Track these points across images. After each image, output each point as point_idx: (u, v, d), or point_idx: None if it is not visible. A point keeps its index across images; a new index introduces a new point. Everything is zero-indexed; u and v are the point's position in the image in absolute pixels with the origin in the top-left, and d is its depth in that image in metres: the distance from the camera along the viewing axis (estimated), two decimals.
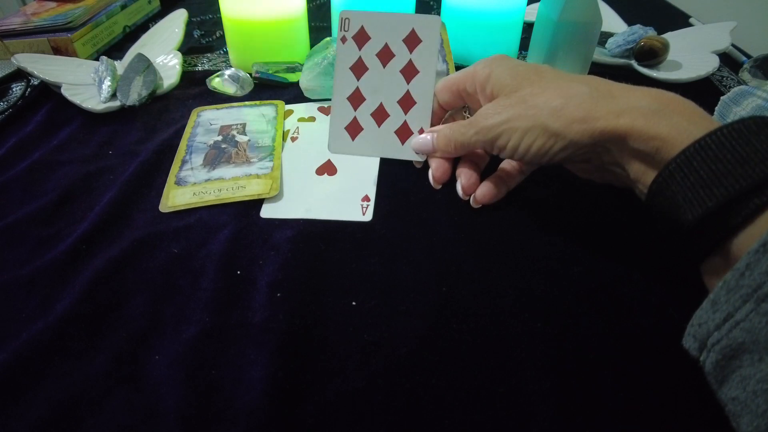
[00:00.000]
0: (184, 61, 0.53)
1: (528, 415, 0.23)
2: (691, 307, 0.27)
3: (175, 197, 0.35)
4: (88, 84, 0.48)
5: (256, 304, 0.28)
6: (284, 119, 0.43)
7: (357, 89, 0.36)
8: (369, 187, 0.36)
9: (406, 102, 0.36)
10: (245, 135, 0.41)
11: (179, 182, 0.37)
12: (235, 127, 0.42)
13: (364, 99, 0.36)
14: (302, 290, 0.29)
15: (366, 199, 0.35)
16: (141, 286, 0.29)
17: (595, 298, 0.28)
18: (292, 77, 0.49)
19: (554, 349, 0.25)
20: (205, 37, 0.62)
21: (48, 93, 0.49)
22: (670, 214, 0.24)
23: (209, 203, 0.35)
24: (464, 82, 0.33)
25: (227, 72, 0.49)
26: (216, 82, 0.49)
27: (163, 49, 0.54)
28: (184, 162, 0.39)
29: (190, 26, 0.62)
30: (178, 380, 0.24)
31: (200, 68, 0.54)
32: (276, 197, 0.35)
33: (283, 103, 0.45)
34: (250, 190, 0.35)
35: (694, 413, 0.23)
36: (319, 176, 0.37)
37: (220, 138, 0.41)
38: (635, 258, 0.30)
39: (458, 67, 0.49)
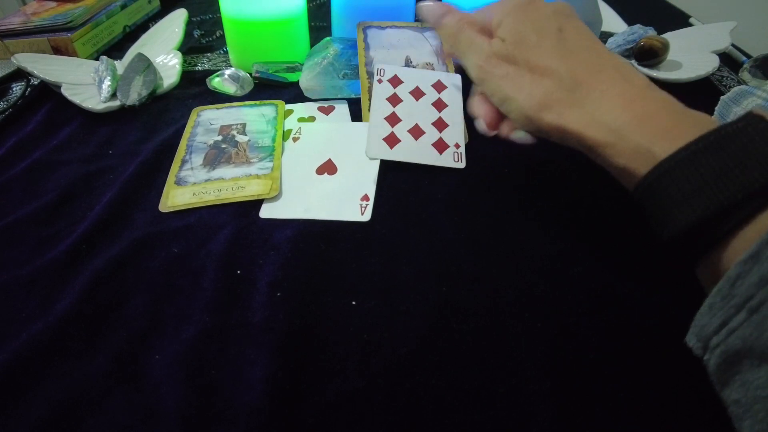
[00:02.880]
0: (184, 61, 0.53)
1: (528, 415, 0.23)
2: (691, 307, 0.27)
3: (175, 197, 0.35)
4: (88, 84, 0.48)
5: (256, 304, 0.28)
6: (284, 119, 0.43)
7: (393, 113, 0.40)
8: (369, 186, 0.36)
9: (440, 124, 0.40)
10: (245, 135, 0.41)
11: (179, 182, 0.36)
12: (235, 127, 0.42)
13: (400, 120, 0.40)
14: (302, 290, 0.29)
15: (365, 198, 0.35)
16: (141, 286, 0.29)
17: (595, 298, 0.28)
18: (292, 77, 0.49)
19: (554, 349, 0.25)
20: (205, 37, 0.62)
21: (48, 93, 0.49)
22: (656, 219, 0.24)
23: (209, 203, 0.35)
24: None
25: (227, 72, 0.49)
26: (216, 82, 0.49)
27: (163, 49, 0.54)
28: (184, 162, 0.38)
29: (190, 26, 0.62)
30: (178, 380, 0.24)
31: (200, 68, 0.54)
32: (275, 197, 0.35)
33: (283, 102, 0.45)
34: (250, 191, 0.35)
35: (695, 413, 0.23)
36: (319, 176, 0.37)
37: (220, 138, 0.41)
38: (635, 258, 0.30)
39: (458, 68, 0.49)
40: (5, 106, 0.47)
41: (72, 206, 0.35)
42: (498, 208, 0.34)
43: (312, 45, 0.53)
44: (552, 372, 0.24)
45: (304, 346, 0.26)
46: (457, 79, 0.43)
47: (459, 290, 0.28)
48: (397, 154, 0.37)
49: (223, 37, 0.61)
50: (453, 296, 0.28)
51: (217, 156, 0.39)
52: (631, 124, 0.24)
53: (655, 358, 0.25)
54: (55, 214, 0.35)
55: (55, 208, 0.35)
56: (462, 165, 0.37)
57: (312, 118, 0.44)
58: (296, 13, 0.50)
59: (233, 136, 0.41)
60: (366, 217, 0.33)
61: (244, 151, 0.39)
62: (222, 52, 0.58)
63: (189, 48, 0.58)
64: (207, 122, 0.43)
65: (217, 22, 0.65)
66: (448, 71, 0.46)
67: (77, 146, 0.42)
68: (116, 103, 0.45)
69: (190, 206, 0.34)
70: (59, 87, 0.47)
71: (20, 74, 0.51)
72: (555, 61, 0.27)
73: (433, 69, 0.46)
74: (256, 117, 0.43)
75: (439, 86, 0.42)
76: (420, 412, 0.23)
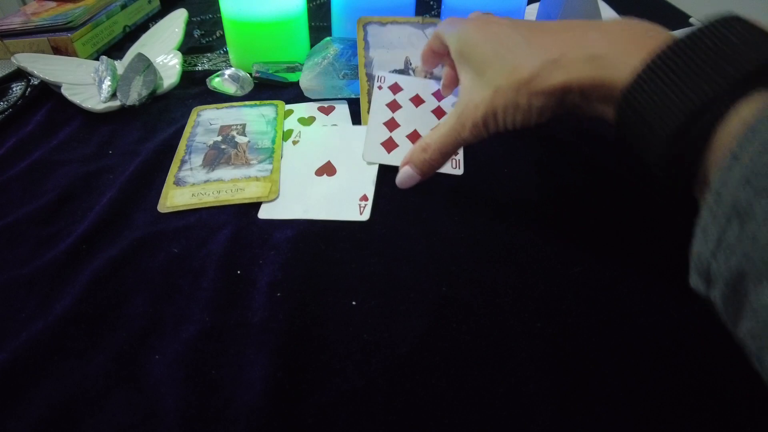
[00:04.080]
0: (184, 61, 0.53)
1: (528, 415, 0.23)
2: (691, 307, 0.27)
3: (174, 197, 0.35)
4: (88, 84, 0.48)
5: (256, 304, 0.28)
6: (284, 119, 0.43)
7: (392, 118, 0.40)
8: (368, 186, 0.36)
9: None
10: (245, 136, 0.41)
11: (178, 182, 0.36)
12: (234, 127, 0.42)
13: (399, 125, 0.39)
14: (302, 290, 0.29)
15: (364, 198, 0.35)
16: (141, 286, 0.29)
17: (595, 298, 0.28)
18: (292, 77, 0.49)
19: (554, 349, 0.25)
20: (205, 37, 0.62)
21: (48, 93, 0.49)
22: (641, 142, 0.22)
23: (207, 205, 0.35)
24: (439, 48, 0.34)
25: (227, 72, 0.49)
26: (216, 82, 0.49)
27: (163, 49, 0.54)
28: (183, 162, 0.38)
29: (190, 26, 0.62)
30: (178, 380, 0.24)
31: (200, 68, 0.54)
32: (274, 198, 0.35)
33: (283, 103, 0.45)
34: (249, 193, 0.35)
35: (695, 413, 0.23)
36: (318, 177, 0.37)
37: (219, 138, 0.41)
38: (635, 258, 0.30)
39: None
40: (5, 106, 0.47)
41: (72, 206, 0.35)
42: (498, 208, 0.34)
43: (312, 45, 0.53)
44: (552, 372, 0.24)
45: (304, 346, 0.26)
46: (458, 89, 0.42)
47: (459, 290, 0.28)
48: (395, 159, 0.37)
49: (223, 37, 0.61)
50: (453, 296, 0.28)
51: (216, 157, 0.39)
52: (613, 45, 0.23)
53: (654, 358, 0.25)
54: (54, 214, 0.35)
55: (54, 208, 0.35)
56: (460, 172, 0.37)
57: (312, 119, 0.44)
58: (296, 13, 0.50)
59: (233, 136, 0.41)
60: (365, 216, 0.33)
61: (244, 152, 0.39)
62: (222, 52, 0.58)
63: (189, 48, 0.58)
64: (207, 122, 0.43)
65: (217, 22, 0.65)
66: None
67: (77, 146, 0.42)
68: (116, 103, 0.45)
69: (189, 207, 0.34)
70: (59, 87, 0.47)
71: (20, 74, 0.51)
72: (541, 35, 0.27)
73: (431, 74, 0.46)
74: (256, 117, 0.43)
75: (439, 95, 0.41)
76: (420, 412, 0.23)
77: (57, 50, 0.53)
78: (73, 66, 0.51)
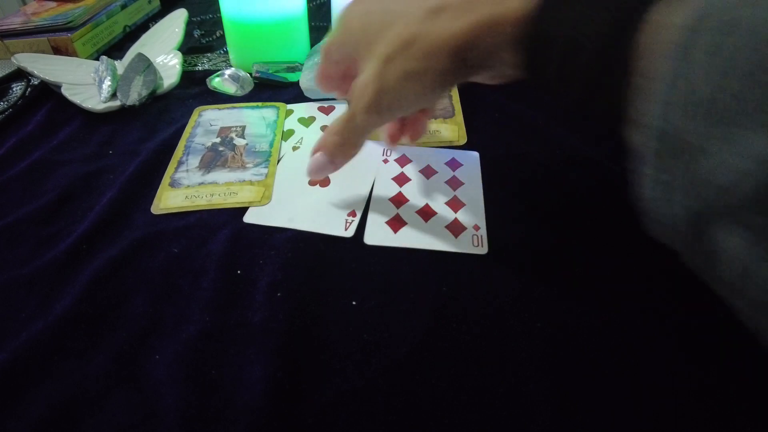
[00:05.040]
0: (184, 61, 0.53)
1: (528, 415, 0.23)
2: (691, 306, 0.27)
3: (168, 199, 0.35)
4: (88, 84, 0.48)
5: (256, 304, 0.28)
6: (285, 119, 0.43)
7: (400, 193, 0.35)
8: (358, 203, 0.34)
9: (455, 204, 0.34)
10: (243, 138, 0.41)
11: (173, 184, 0.36)
12: (234, 129, 0.42)
13: (407, 200, 0.35)
14: (302, 290, 0.29)
15: (352, 214, 0.33)
16: (141, 286, 0.29)
17: (595, 298, 0.28)
18: (292, 77, 0.49)
19: (554, 349, 0.25)
20: (205, 36, 0.62)
21: (48, 93, 0.49)
22: (563, 78, 0.20)
23: (200, 208, 0.34)
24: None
25: (227, 72, 0.49)
26: (216, 82, 0.49)
27: (163, 49, 0.54)
28: (180, 163, 0.38)
29: (190, 26, 0.62)
30: (178, 380, 0.24)
31: (200, 68, 0.54)
32: (266, 203, 0.34)
33: (285, 105, 0.45)
34: (242, 197, 0.35)
35: (695, 413, 0.23)
36: (311, 187, 0.36)
37: (218, 140, 0.40)
38: (635, 257, 0.30)
39: None
40: (5, 106, 0.47)
41: (72, 206, 0.35)
42: (498, 208, 0.34)
43: (312, 45, 0.53)
44: (552, 372, 0.24)
45: (304, 346, 0.26)
46: (474, 155, 0.38)
47: (459, 290, 0.28)
48: (402, 240, 0.32)
49: (223, 37, 0.61)
50: (453, 296, 0.28)
51: (213, 159, 0.38)
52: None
53: (654, 358, 0.25)
54: (55, 214, 0.35)
55: (55, 208, 0.35)
56: (484, 250, 0.31)
57: (312, 119, 0.44)
58: (296, 13, 0.50)
59: (231, 138, 0.41)
60: (350, 233, 0.32)
61: (241, 155, 0.39)
62: (222, 52, 0.58)
63: (189, 48, 0.58)
64: (207, 123, 0.43)
65: (217, 22, 0.65)
66: None
67: (77, 146, 0.42)
68: (116, 103, 0.45)
69: (182, 209, 0.34)
70: (59, 87, 0.47)
71: (20, 74, 0.51)
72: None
73: None
74: (257, 119, 0.43)
75: (453, 164, 0.37)
76: (420, 412, 0.23)
77: (57, 50, 0.53)
78: (73, 66, 0.51)
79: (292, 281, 0.29)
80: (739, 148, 0.14)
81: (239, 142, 0.40)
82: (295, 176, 0.37)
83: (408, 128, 0.32)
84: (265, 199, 0.35)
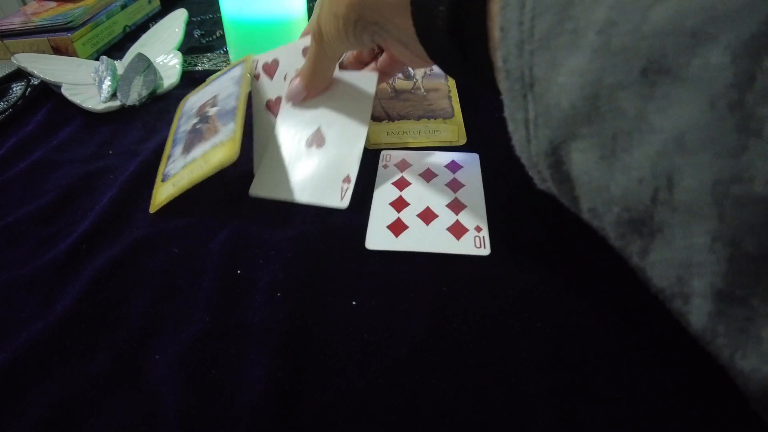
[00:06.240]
0: (184, 61, 0.53)
1: (528, 415, 0.23)
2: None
3: (160, 195, 0.35)
4: (88, 84, 0.48)
5: (256, 304, 0.28)
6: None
7: (400, 197, 0.35)
8: (352, 166, 0.33)
9: (456, 206, 0.34)
10: (217, 106, 0.37)
11: (165, 178, 0.36)
12: (209, 102, 0.39)
13: (408, 204, 0.35)
14: (302, 290, 0.29)
15: (347, 180, 0.33)
16: (141, 286, 0.29)
17: (595, 298, 0.28)
18: None
19: (554, 349, 0.25)
20: (205, 36, 0.62)
21: (48, 93, 0.49)
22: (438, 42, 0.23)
23: (184, 189, 0.33)
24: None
25: None
26: None
27: (163, 49, 0.54)
28: (169, 157, 0.37)
29: (190, 26, 0.62)
30: (178, 380, 0.24)
31: (200, 68, 0.54)
32: (264, 173, 0.34)
33: (251, 56, 0.41)
34: (214, 162, 0.32)
35: (695, 413, 0.23)
36: (307, 148, 0.35)
37: (197, 119, 0.38)
38: None
39: None
40: (5, 106, 0.47)
41: (72, 206, 0.35)
42: (498, 208, 0.34)
43: None
44: (552, 372, 0.24)
45: (304, 346, 0.26)
46: (475, 157, 0.38)
47: (459, 290, 0.28)
48: (404, 243, 0.32)
49: (223, 37, 0.61)
50: (453, 296, 0.28)
51: (193, 139, 0.36)
52: None
53: (654, 358, 0.25)
54: (55, 214, 0.35)
55: (55, 208, 0.35)
56: (486, 251, 0.31)
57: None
58: (296, 13, 0.50)
59: (206, 112, 0.38)
60: (345, 203, 0.32)
61: (214, 123, 0.36)
62: (222, 52, 0.58)
63: (189, 48, 0.58)
64: (189, 109, 0.41)
65: (217, 22, 0.65)
66: (448, 78, 0.45)
67: (77, 146, 0.42)
68: (116, 103, 0.45)
69: (171, 198, 0.33)
70: (59, 87, 0.47)
71: (20, 74, 0.51)
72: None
73: (431, 69, 0.46)
74: (227, 83, 0.40)
75: (453, 166, 0.37)
76: (420, 412, 0.23)
77: (57, 50, 0.53)
78: (73, 66, 0.51)
79: (293, 281, 0.29)
80: (561, 69, 0.16)
81: (212, 111, 0.37)
82: (291, 138, 0.36)
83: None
84: (234, 154, 0.32)
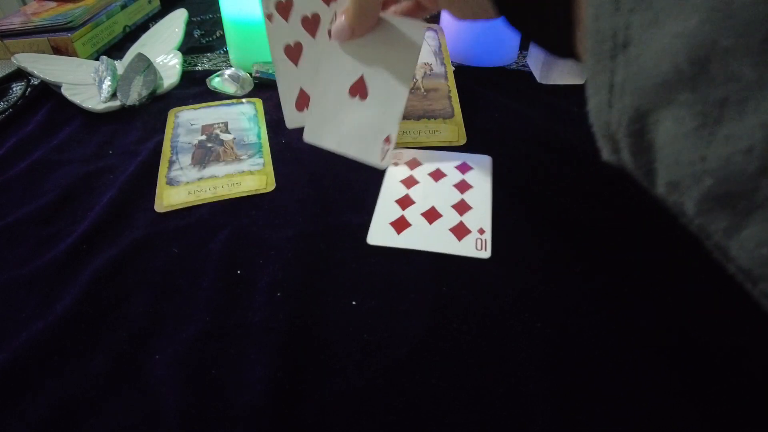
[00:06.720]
0: (184, 61, 0.53)
1: (528, 415, 0.23)
2: (691, 306, 0.27)
3: (170, 197, 0.35)
4: (88, 84, 0.48)
5: (256, 304, 0.28)
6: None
7: (407, 195, 0.35)
8: (393, 125, 0.32)
9: (462, 207, 0.34)
10: (229, 133, 0.42)
11: (171, 182, 0.37)
12: (217, 126, 0.43)
13: (414, 202, 0.35)
14: (302, 290, 0.29)
15: (387, 141, 0.31)
16: (141, 286, 0.29)
17: (595, 298, 0.28)
18: None
19: (554, 349, 0.25)
20: (205, 37, 0.62)
21: (48, 93, 0.49)
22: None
23: (206, 201, 0.35)
24: None
25: (227, 72, 0.49)
26: (216, 82, 0.49)
27: (163, 49, 0.54)
28: (171, 162, 0.39)
29: (190, 26, 0.62)
30: (178, 380, 0.24)
31: (200, 68, 0.54)
32: (315, 120, 0.32)
33: (261, 101, 0.46)
34: (246, 187, 0.36)
35: (695, 413, 0.23)
36: (351, 98, 0.33)
37: (204, 137, 0.41)
38: (635, 258, 0.30)
39: (457, 68, 0.49)
40: (5, 106, 0.47)
41: (72, 206, 0.35)
42: (498, 208, 0.34)
43: None
44: (552, 372, 0.24)
45: (304, 346, 0.26)
46: (487, 160, 0.38)
47: (459, 290, 0.28)
48: (405, 241, 0.32)
49: (223, 37, 0.61)
50: (453, 296, 0.28)
51: (205, 155, 0.39)
52: None
53: (654, 358, 0.25)
54: (55, 214, 0.35)
55: (55, 208, 0.35)
56: (487, 254, 0.31)
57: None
58: None
59: (217, 134, 0.42)
60: (386, 163, 0.31)
61: (232, 149, 0.40)
62: (222, 52, 0.58)
63: (189, 48, 0.58)
64: (187, 123, 0.43)
65: (217, 22, 0.65)
66: (446, 69, 0.45)
67: (77, 146, 0.42)
68: (116, 103, 0.45)
69: (188, 204, 0.35)
70: (59, 87, 0.47)
71: (20, 74, 0.51)
72: None
73: (431, 69, 0.46)
74: (237, 115, 0.44)
75: (463, 167, 0.37)
76: (420, 412, 0.23)
77: (57, 50, 0.53)
78: (73, 66, 0.51)
79: (292, 281, 0.29)
80: (658, 31, 0.15)
81: (226, 137, 0.41)
82: (334, 84, 0.33)
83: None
84: (269, 185, 0.36)
